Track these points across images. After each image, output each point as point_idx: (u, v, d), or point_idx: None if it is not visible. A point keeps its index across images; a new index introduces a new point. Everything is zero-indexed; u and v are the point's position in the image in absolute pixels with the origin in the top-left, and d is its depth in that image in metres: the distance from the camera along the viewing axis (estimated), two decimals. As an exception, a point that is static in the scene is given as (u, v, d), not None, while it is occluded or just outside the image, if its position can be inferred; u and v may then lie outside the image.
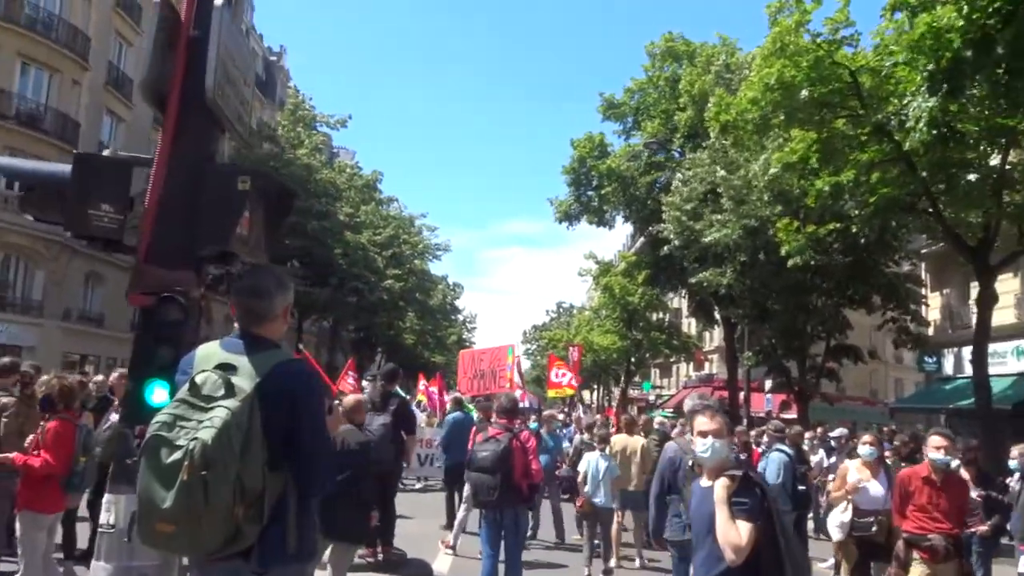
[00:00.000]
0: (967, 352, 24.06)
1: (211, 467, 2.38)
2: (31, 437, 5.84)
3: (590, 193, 28.76)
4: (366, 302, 31.67)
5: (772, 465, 8.23)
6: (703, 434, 3.54)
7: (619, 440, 10.29)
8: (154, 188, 3.05)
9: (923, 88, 11.39)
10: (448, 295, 60.21)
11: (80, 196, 3.06)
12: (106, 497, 2.95)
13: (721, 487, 3.33)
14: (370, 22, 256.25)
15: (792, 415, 34.04)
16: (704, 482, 3.59)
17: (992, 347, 22.45)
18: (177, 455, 2.40)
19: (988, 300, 14.28)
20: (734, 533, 3.20)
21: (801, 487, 8.46)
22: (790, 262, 16.40)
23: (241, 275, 3.08)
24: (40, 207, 3.24)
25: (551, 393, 17.11)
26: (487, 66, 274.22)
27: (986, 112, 11.81)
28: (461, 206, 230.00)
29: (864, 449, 6.80)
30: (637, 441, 10.29)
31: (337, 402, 8.97)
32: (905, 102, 11.84)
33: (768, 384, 28.29)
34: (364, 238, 32.99)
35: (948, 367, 25.13)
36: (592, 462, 8.88)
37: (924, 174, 13.38)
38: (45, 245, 26.76)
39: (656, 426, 11.83)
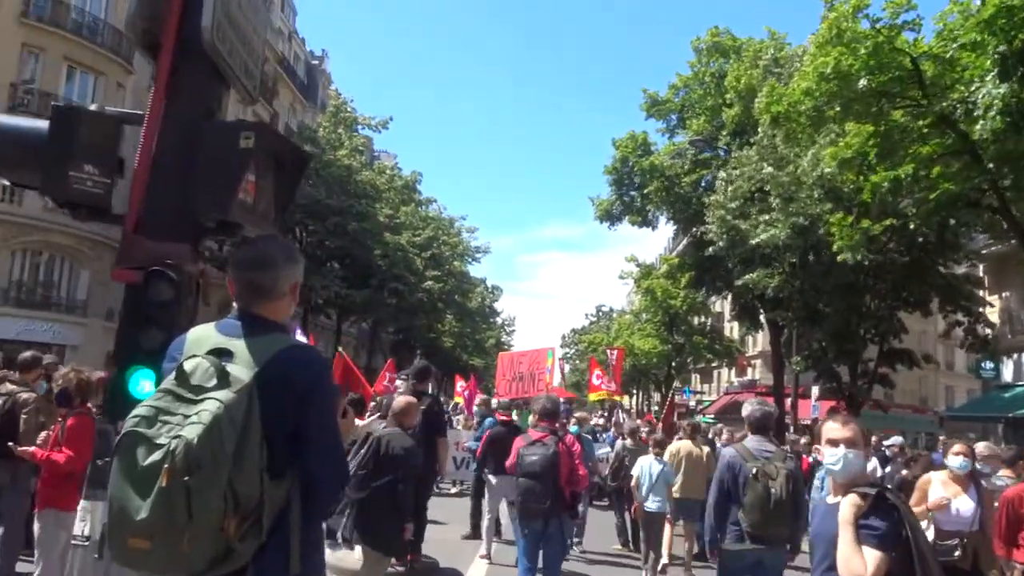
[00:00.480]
0: (1029, 358, 23.07)
1: (196, 471, 1.93)
2: (44, 433, 5.55)
3: (632, 193, 28.09)
4: (406, 303, 31.38)
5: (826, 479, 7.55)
6: (833, 443, 3.01)
7: (683, 446, 9.79)
8: (144, 147, 2.62)
9: (993, 73, 10.65)
10: (487, 298, 59.91)
11: (60, 155, 2.65)
12: (81, 504, 2.51)
13: (849, 505, 2.79)
14: (411, 24, 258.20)
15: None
16: (831, 498, 3.06)
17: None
18: (156, 456, 1.94)
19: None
20: (858, 562, 2.68)
21: None
22: (841, 258, 15.59)
23: (242, 244, 2.55)
24: (15, 168, 2.83)
25: (592, 397, 16.59)
26: (528, 67, 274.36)
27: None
28: (501, 209, 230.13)
29: (955, 461, 5.67)
30: (703, 449, 9.93)
31: (374, 402, 8.63)
32: (973, 89, 11.08)
33: (815, 390, 27.34)
34: (404, 239, 32.76)
35: (1007, 374, 24.05)
36: (646, 467, 8.69)
37: (991, 166, 12.53)
38: (90, 245, 27.04)
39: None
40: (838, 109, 13.97)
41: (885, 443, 14.75)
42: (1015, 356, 22.88)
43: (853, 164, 14.78)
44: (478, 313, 54.94)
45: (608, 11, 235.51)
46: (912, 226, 15.49)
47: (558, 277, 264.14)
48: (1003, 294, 23.53)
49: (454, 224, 45.35)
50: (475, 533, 10.04)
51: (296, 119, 45.34)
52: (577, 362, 75.27)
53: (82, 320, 27.21)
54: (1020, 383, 22.58)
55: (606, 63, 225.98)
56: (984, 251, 21.43)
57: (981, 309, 19.99)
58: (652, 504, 8.55)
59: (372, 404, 8.31)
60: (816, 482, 7.94)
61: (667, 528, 9.46)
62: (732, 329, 55.29)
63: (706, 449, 10.02)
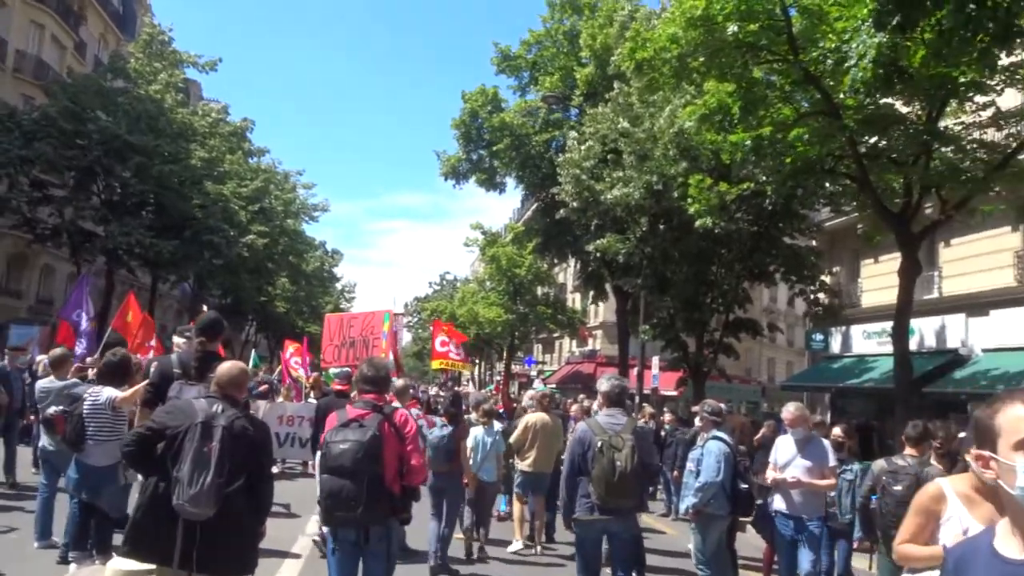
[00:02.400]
0: (855, 331, 23.92)
1: None
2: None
3: (481, 151, 26.63)
4: (223, 259, 28.21)
5: (710, 457, 6.50)
6: None
7: (537, 419, 9.26)
8: None
9: (868, 23, 10.00)
10: (325, 262, 56.70)
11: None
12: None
13: None
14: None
15: (671, 391, 33.63)
16: (1005, 544, 1.65)
17: (881, 326, 22.29)
18: None
19: (912, 271, 13.26)
20: None
21: (743, 485, 6.77)
22: (699, 223, 14.95)
23: None
24: None
25: (435, 364, 14.99)
26: (378, 32, 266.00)
27: (931, 60, 10.54)
28: (348, 175, 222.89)
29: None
30: (556, 421, 9.60)
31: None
32: (847, 38, 10.40)
33: (656, 360, 27.34)
34: (227, 189, 29.43)
35: (835, 346, 24.94)
36: (479, 437, 8.59)
37: (852, 125, 12.07)
38: None
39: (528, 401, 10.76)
40: (702, 60, 13.09)
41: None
42: (843, 329, 23.64)
43: (713, 121, 14.03)
44: (315, 276, 51.76)
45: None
46: (769, 191, 15.03)
47: (402, 246, 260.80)
48: (832, 269, 24.23)
49: (289, 179, 42.05)
50: None
51: (107, 52, 40.08)
52: (419, 331, 73.64)
53: None
54: (848, 355, 23.37)
55: (462, 21, 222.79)
56: (828, 224, 21.79)
57: (824, 279, 20.30)
58: (483, 475, 8.49)
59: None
60: (690, 464, 6.87)
61: (517, 506, 9.23)
62: (575, 300, 55.84)
63: (559, 421, 9.65)
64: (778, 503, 6.69)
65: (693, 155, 16.31)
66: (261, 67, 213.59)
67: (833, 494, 7.27)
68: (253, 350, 21.39)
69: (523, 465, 9.14)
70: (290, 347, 17.61)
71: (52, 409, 6.18)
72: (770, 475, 6.71)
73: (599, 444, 5.26)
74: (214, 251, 27.55)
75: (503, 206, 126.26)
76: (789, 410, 6.77)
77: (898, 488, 5.41)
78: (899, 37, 9.73)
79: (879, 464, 6.07)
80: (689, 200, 16.29)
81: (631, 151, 17.42)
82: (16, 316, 29.80)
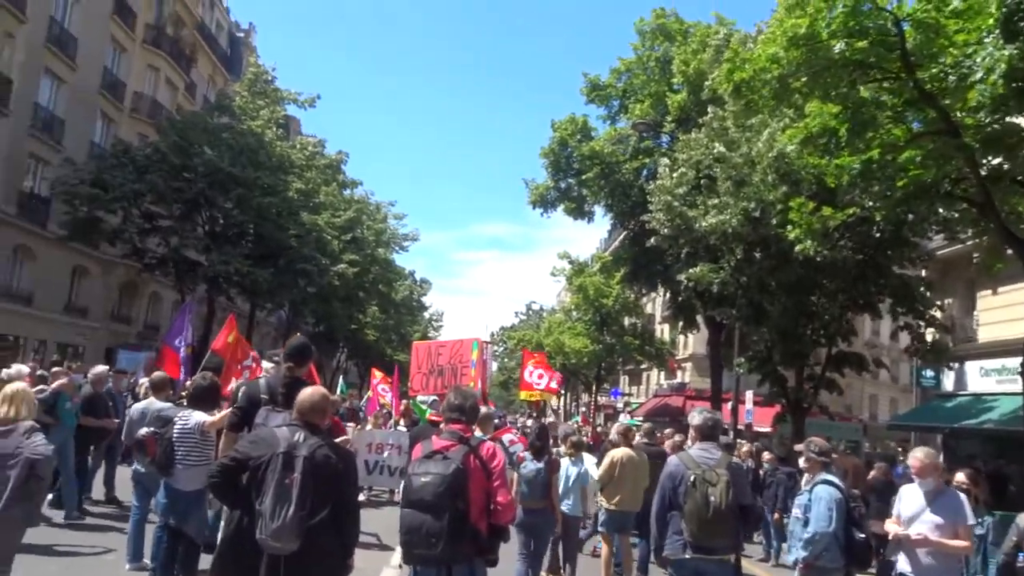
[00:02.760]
0: (970, 367, 22.24)
1: None
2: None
3: (570, 180, 26.41)
4: (317, 286, 28.86)
5: (820, 504, 5.82)
6: None
7: (622, 455, 8.87)
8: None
9: (995, 33, 9.25)
10: (414, 290, 57.49)
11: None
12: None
13: None
14: (347, 7, 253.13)
15: (765, 427, 32.12)
16: None
17: (1001, 362, 20.65)
18: None
19: (1042, 302, 12.12)
20: None
21: (860, 535, 5.99)
22: (800, 248, 14.17)
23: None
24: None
25: (523, 395, 14.70)
26: (468, 63, 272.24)
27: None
28: (437, 206, 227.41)
29: None
30: (641, 455, 9.12)
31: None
32: (970, 51, 9.65)
33: (750, 395, 26.21)
34: (322, 220, 30.22)
35: (948, 383, 23.29)
36: (563, 469, 8.33)
37: (976, 145, 11.18)
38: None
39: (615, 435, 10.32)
40: (805, 80, 12.46)
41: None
42: (955, 366, 22.03)
43: (817, 144, 13.33)
44: (404, 305, 52.49)
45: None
46: (878, 216, 14.14)
47: (490, 276, 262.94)
48: (946, 300, 22.67)
49: (381, 209, 42.94)
50: None
51: (215, 91, 42.23)
52: (505, 360, 73.65)
53: None
54: (962, 392, 21.74)
55: (551, 56, 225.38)
56: (940, 252, 20.42)
57: (934, 313, 18.94)
58: (565, 507, 8.21)
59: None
60: (796, 510, 6.23)
61: (604, 548, 8.81)
62: (663, 331, 54.70)
63: (644, 456, 9.15)
64: (903, 564, 5.83)
65: (794, 179, 15.55)
66: (356, 101, 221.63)
67: None
68: (341, 377, 21.61)
69: (608, 503, 8.75)
70: (377, 375, 17.67)
71: (143, 431, 6.19)
72: (892, 529, 5.91)
73: (692, 478, 5.07)
74: (307, 279, 28.24)
75: (590, 236, 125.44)
76: (917, 456, 5.91)
77: None
78: (1030, 47, 8.95)
79: None
80: (789, 227, 15.54)
81: (727, 176, 16.78)
82: (126, 341, 31.34)
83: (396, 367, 13.46)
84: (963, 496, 5.93)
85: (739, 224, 16.42)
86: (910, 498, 5.93)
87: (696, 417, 5.64)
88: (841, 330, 19.25)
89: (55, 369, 10.94)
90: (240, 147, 26.80)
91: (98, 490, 10.54)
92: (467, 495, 4.17)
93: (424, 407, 12.75)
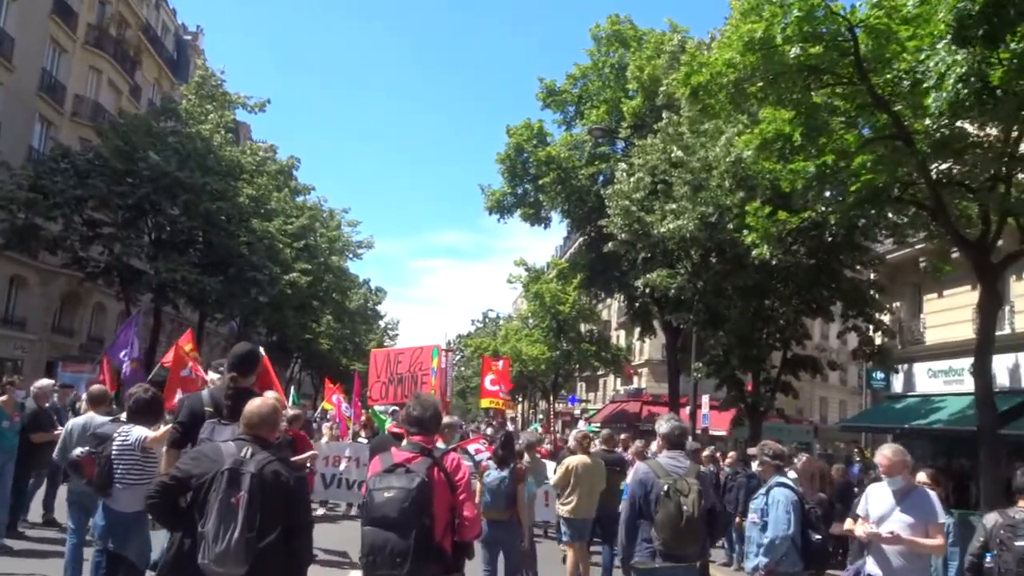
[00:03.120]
0: (918, 369, 22.71)
1: None
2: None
3: (526, 186, 26.29)
4: (268, 295, 28.19)
5: (777, 509, 5.75)
6: None
7: (577, 461, 8.67)
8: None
9: (946, 40, 9.35)
10: (369, 299, 56.81)
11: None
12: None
13: None
14: (297, 11, 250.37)
15: (720, 431, 32.35)
16: None
17: (948, 364, 21.10)
18: None
19: (992, 304, 12.35)
20: None
21: (816, 537, 5.91)
22: (755, 252, 14.24)
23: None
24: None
25: (484, 403, 14.47)
26: (420, 69, 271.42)
27: (1012, 78, 9.79)
28: (390, 214, 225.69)
29: None
30: (597, 462, 8.93)
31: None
32: (923, 57, 9.75)
33: (706, 399, 26.38)
34: (273, 227, 29.54)
35: (897, 385, 23.75)
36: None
37: (927, 151, 11.34)
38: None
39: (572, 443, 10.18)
40: (761, 84, 12.52)
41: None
42: (904, 368, 22.47)
43: (772, 149, 13.40)
44: (359, 314, 51.80)
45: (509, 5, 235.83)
46: (832, 221, 14.29)
47: (444, 284, 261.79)
48: (894, 304, 23.11)
49: (334, 216, 42.28)
50: None
51: (161, 95, 41.12)
52: (462, 369, 73.23)
53: None
54: (911, 394, 22.17)
55: (505, 59, 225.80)
56: (890, 256, 20.79)
57: (882, 317, 19.28)
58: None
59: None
60: (753, 515, 6.13)
61: (569, 554, 8.79)
62: (619, 337, 54.98)
63: (600, 463, 9.02)
64: (871, 566, 5.61)
65: (750, 184, 15.65)
66: (306, 106, 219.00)
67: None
68: (292, 388, 21.04)
69: (564, 510, 8.62)
70: (331, 386, 17.21)
71: (79, 451, 5.76)
72: (862, 529, 5.66)
73: (665, 488, 5.03)
74: (259, 288, 27.59)
75: (546, 244, 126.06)
76: (885, 454, 5.64)
77: (1020, 544, 4.98)
78: (984, 52, 9.06)
79: (992, 517, 5.37)
80: (745, 232, 15.64)
81: (685, 181, 16.83)
82: (68, 354, 30.15)
83: (356, 376, 13.03)
84: (933, 494, 5.70)
85: (696, 229, 16.48)
86: (878, 497, 5.70)
87: (664, 425, 5.57)
88: (796, 334, 19.46)
89: None
90: (187, 151, 26.03)
91: (36, 511, 9.97)
92: (432, 510, 3.92)
93: (384, 417, 12.44)
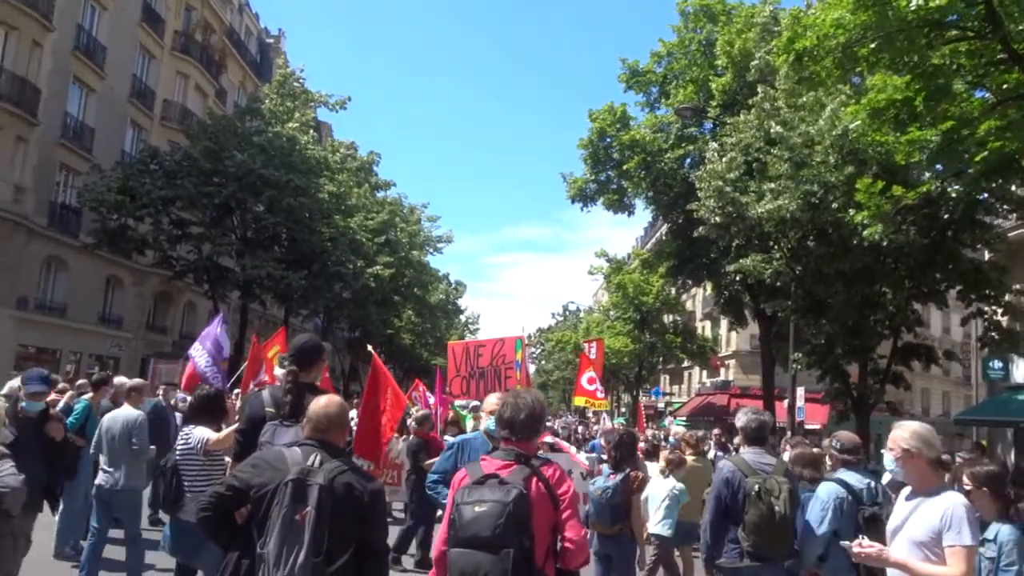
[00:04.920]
0: (1045, 358, 20.71)
1: None
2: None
3: (609, 172, 25.34)
4: (351, 290, 28.17)
5: (815, 505, 4.84)
6: None
7: (691, 462, 8.65)
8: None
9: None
10: (450, 294, 56.75)
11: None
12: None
13: None
14: (378, 9, 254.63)
15: (815, 425, 30.65)
16: None
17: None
18: None
19: None
20: None
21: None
22: (867, 232, 12.99)
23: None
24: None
25: (578, 400, 13.71)
26: (498, 58, 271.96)
27: None
28: (467, 210, 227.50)
29: None
30: (707, 464, 8.84)
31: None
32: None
33: (801, 391, 24.91)
34: (355, 222, 29.55)
35: (1018, 375, 21.81)
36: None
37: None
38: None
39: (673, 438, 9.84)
40: (873, 46, 11.31)
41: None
42: (1027, 356, 20.50)
43: (886, 117, 12.16)
44: (440, 308, 51.77)
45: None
46: (953, 195, 12.92)
47: (522, 279, 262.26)
48: (1014, 286, 21.16)
49: (414, 211, 42.27)
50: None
51: (246, 97, 41.98)
52: (542, 363, 72.62)
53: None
54: (1035, 385, 20.28)
55: (584, 44, 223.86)
56: (1013, 233, 18.96)
57: (1009, 299, 17.52)
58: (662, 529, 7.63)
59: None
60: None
61: (680, 558, 8.46)
62: (705, 328, 53.30)
63: (708, 464, 8.91)
64: None
65: (860, 159, 14.35)
66: (385, 102, 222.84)
67: None
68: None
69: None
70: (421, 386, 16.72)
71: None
72: (856, 548, 3.91)
73: (755, 488, 4.78)
74: (342, 283, 27.58)
75: (626, 235, 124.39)
76: (893, 434, 3.96)
77: None
78: None
79: None
80: (851, 212, 14.38)
81: (785, 159, 15.60)
82: (161, 351, 31.05)
83: (437, 371, 12.46)
84: (960, 502, 3.74)
85: (798, 209, 15.23)
86: (900, 501, 4.11)
87: (741, 418, 5.22)
88: (907, 320, 17.95)
89: (80, 381, 10.28)
90: (273, 149, 26.27)
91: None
92: (531, 529, 3.22)
93: (465, 413, 11.81)
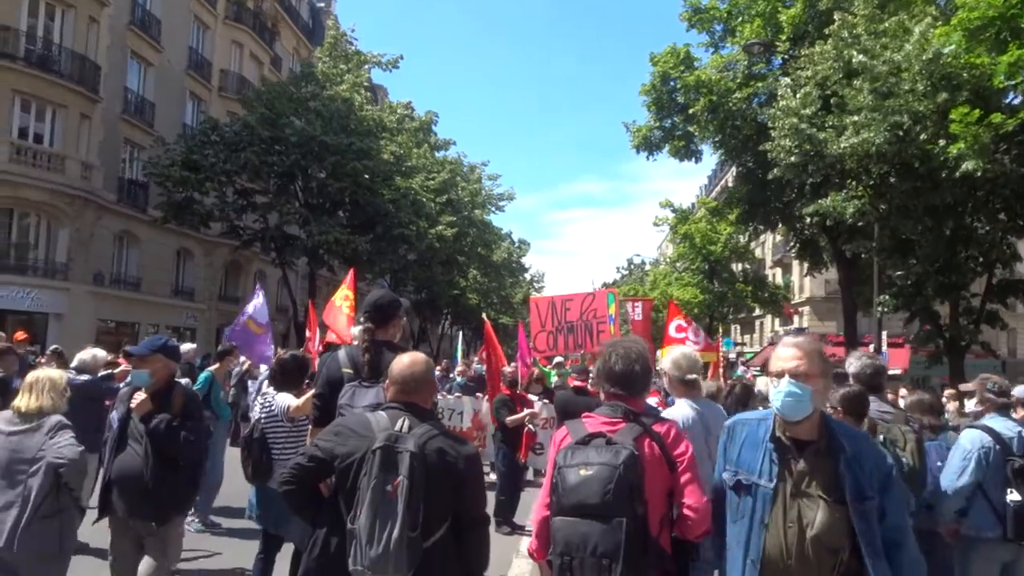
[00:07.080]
0: None
1: None
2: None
3: (675, 118, 24.37)
4: (416, 251, 28.12)
5: (955, 453, 4.50)
6: None
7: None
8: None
9: None
10: (513, 252, 56.41)
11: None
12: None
13: None
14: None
15: (897, 371, 29.49)
16: None
17: None
18: None
19: None
20: None
21: (1014, 497, 4.37)
22: (966, 166, 12.04)
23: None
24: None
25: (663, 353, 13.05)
26: (552, 8, 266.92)
27: None
28: (524, 168, 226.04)
29: None
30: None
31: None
32: None
33: (884, 336, 23.85)
34: (416, 183, 29.38)
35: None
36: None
37: None
38: (67, 201, 24.19)
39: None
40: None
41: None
42: None
43: (982, 38, 11.18)
44: (504, 267, 51.53)
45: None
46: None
47: (584, 234, 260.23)
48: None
49: (475, 170, 41.87)
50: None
51: (300, 64, 42.02)
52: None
53: (63, 285, 24.50)
54: None
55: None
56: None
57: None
58: None
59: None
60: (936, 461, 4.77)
61: None
62: (775, 275, 51.77)
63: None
64: None
65: (954, 84, 13.27)
66: (440, 61, 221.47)
67: None
68: (459, 340, 19.88)
69: None
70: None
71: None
72: None
73: (880, 439, 4.26)
74: (407, 245, 27.54)
75: (688, 185, 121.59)
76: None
77: None
78: None
79: None
80: (942, 143, 13.40)
81: (869, 90, 14.55)
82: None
83: (520, 326, 12.06)
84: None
85: (885, 142, 14.24)
86: None
87: (854, 363, 4.74)
88: (1003, 256, 16.83)
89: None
90: (330, 114, 26.18)
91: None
92: (644, 495, 2.87)
93: (548, 369, 11.50)
